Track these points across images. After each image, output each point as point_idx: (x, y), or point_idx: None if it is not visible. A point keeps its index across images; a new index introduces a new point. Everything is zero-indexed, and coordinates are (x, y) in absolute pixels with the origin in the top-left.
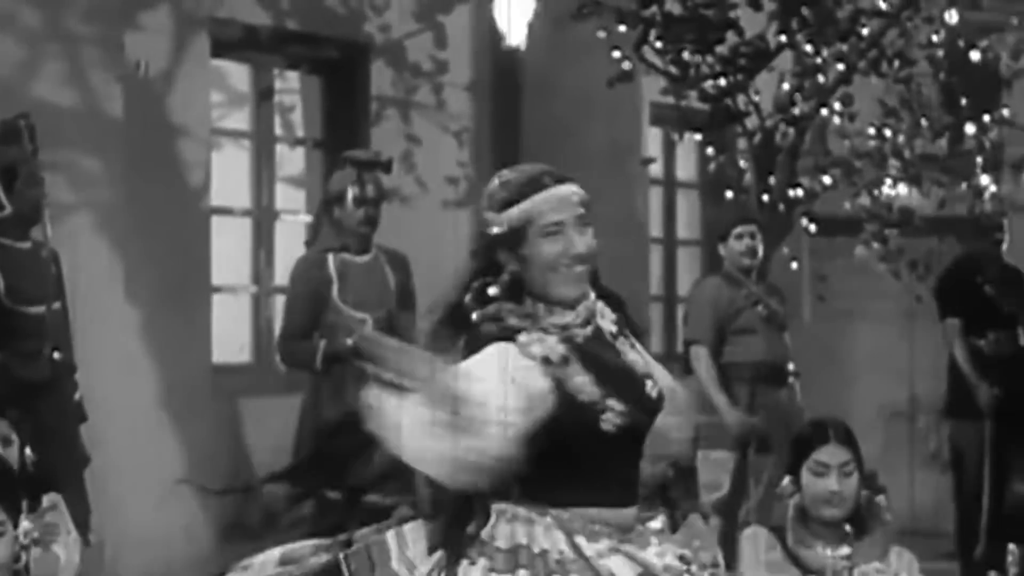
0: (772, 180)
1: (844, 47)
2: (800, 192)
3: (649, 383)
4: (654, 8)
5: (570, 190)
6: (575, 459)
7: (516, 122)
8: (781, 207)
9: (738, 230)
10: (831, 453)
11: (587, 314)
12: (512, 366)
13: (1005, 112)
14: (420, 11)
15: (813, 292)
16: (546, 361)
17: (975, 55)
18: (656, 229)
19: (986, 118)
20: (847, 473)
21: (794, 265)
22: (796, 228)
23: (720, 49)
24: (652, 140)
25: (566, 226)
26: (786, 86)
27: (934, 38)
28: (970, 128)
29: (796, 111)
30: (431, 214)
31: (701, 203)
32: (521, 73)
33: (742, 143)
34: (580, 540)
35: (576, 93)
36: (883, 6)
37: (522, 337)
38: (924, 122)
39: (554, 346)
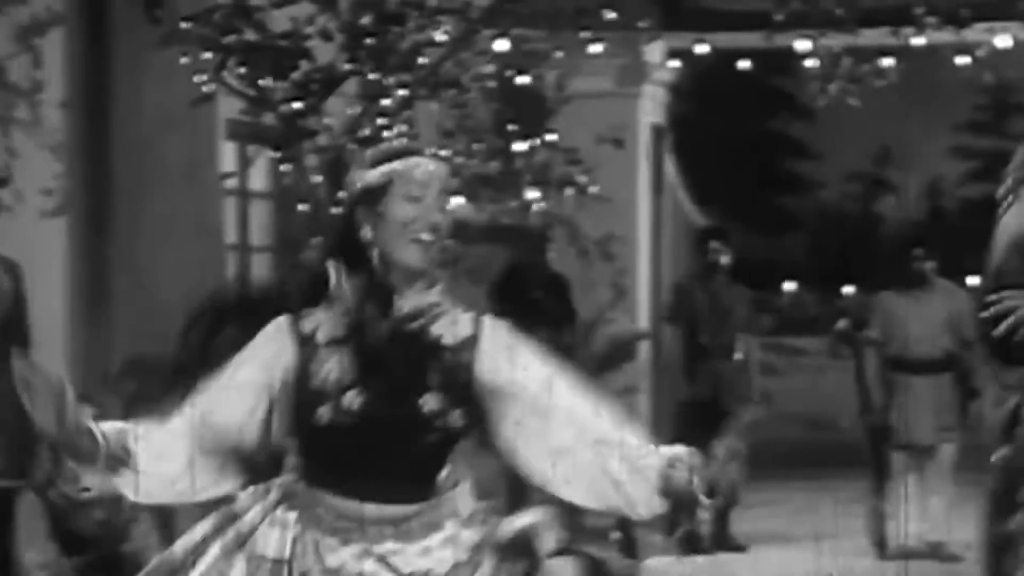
0: (341, 194)
1: (406, 75)
2: None
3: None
4: (233, 37)
5: (441, 170)
6: (321, 444)
7: (106, 137)
8: None
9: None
10: None
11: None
12: (263, 340)
13: (551, 136)
14: (18, 34)
15: None
16: (305, 340)
17: (523, 80)
18: (232, 236)
19: (535, 141)
20: None
21: None
22: None
23: (295, 75)
24: (228, 153)
25: (428, 194)
26: (354, 109)
27: (487, 69)
28: (520, 146)
29: (363, 132)
30: (28, 223)
31: (274, 213)
32: (110, 92)
33: (313, 159)
34: (328, 542)
35: (159, 111)
36: (440, 38)
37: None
38: (477, 145)
39: (324, 324)
